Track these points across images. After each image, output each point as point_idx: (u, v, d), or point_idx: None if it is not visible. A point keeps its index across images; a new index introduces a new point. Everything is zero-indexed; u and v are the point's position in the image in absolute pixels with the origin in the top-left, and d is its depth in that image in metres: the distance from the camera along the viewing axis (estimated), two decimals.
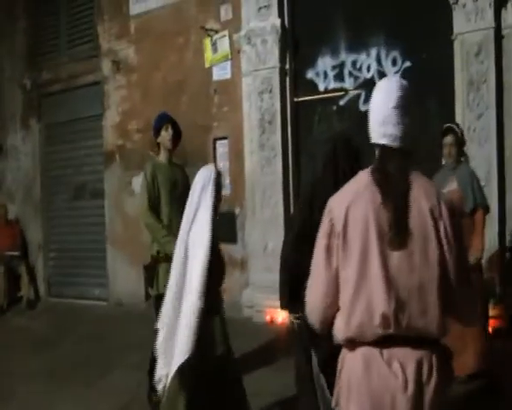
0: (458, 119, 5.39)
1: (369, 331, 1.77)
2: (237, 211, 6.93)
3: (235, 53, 6.93)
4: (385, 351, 1.78)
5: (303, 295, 2.01)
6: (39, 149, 9.28)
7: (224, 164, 6.92)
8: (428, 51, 5.80)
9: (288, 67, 6.62)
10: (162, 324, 3.21)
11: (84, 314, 7.88)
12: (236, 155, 6.95)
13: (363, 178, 1.90)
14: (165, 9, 7.57)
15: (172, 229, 4.36)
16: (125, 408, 4.60)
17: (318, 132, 6.57)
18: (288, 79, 6.63)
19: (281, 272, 3.14)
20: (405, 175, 1.83)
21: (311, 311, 1.96)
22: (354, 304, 1.78)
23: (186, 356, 2.97)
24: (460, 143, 4.44)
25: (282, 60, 6.56)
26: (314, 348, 2.79)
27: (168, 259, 4.32)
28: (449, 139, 4.41)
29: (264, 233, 6.60)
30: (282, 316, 5.72)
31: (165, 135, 4.55)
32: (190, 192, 3.37)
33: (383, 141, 1.90)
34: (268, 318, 6.07)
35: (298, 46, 6.67)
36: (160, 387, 3.20)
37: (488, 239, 5.13)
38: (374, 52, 6.20)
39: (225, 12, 7.03)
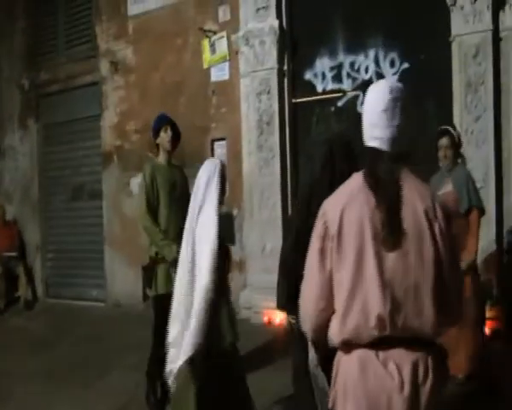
0: (456, 120, 5.40)
1: (365, 333, 1.77)
2: (235, 212, 6.94)
3: (233, 54, 6.93)
4: (381, 352, 1.78)
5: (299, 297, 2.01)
6: (37, 149, 9.26)
7: None
8: (426, 53, 5.81)
9: (286, 68, 6.62)
10: (174, 319, 3.24)
11: (81, 315, 7.87)
12: (234, 157, 6.95)
13: (356, 180, 1.90)
14: (164, 10, 7.57)
15: (170, 232, 4.39)
16: (122, 409, 4.60)
17: (316, 133, 6.57)
18: (286, 80, 6.63)
19: (279, 273, 3.15)
20: (396, 177, 1.83)
21: (304, 314, 1.95)
22: (349, 306, 1.78)
23: (196, 347, 3.01)
24: (456, 145, 4.46)
25: (280, 61, 6.56)
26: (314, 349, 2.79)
27: (166, 260, 4.34)
28: (444, 141, 4.43)
29: (262, 234, 6.60)
30: (279, 317, 5.72)
31: (165, 136, 4.55)
32: (194, 187, 3.40)
33: (373, 144, 1.91)
34: (266, 319, 6.06)
35: (296, 47, 6.68)
36: (170, 380, 3.24)
37: (485, 241, 5.14)
38: (372, 53, 6.20)
39: (223, 13, 7.03)
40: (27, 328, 7.70)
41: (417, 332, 1.77)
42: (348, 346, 1.83)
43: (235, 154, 6.96)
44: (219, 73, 7.06)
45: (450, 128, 4.52)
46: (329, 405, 1.96)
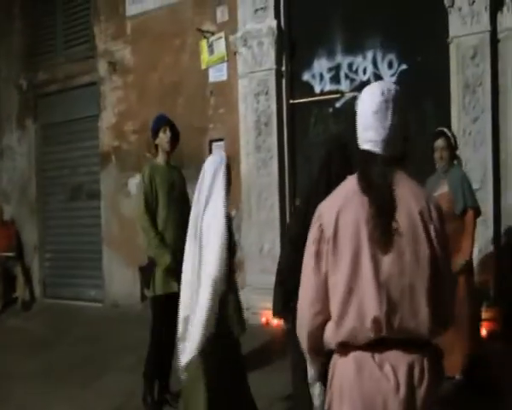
0: (454, 121, 5.42)
1: (361, 335, 1.77)
2: (233, 213, 6.92)
3: (231, 55, 6.93)
4: (377, 354, 1.78)
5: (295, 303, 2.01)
6: (35, 149, 9.25)
7: None
8: (424, 54, 5.82)
9: (284, 68, 6.62)
10: (184, 313, 3.25)
11: (79, 316, 7.86)
12: (232, 157, 6.91)
13: (351, 183, 1.90)
14: (162, 11, 7.58)
15: (168, 232, 4.41)
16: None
17: (314, 134, 6.58)
18: (284, 81, 6.64)
19: (276, 281, 3.18)
20: (389, 180, 1.83)
21: (300, 318, 1.94)
22: (345, 308, 1.77)
23: (205, 339, 3.07)
24: (452, 146, 4.48)
25: (279, 62, 6.56)
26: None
27: None
28: (440, 143, 4.46)
29: (260, 235, 6.60)
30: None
31: (164, 137, 4.56)
32: (199, 181, 3.41)
33: (366, 146, 1.91)
34: (264, 320, 6.06)
35: (294, 48, 6.68)
36: (181, 372, 3.26)
37: (483, 242, 5.17)
38: (370, 55, 6.21)
39: (221, 14, 7.03)
40: (25, 328, 7.69)
41: (413, 333, 1.77)
42: (344, 348, 1.83)
43: (233, 155, 6.92)
44: (217, 74, 7.07)
45: (445, 130, 4.55)
46: (325, 407, 1.96)
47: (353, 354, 1.81)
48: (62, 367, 5.69)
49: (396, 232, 1.77)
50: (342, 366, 1.85)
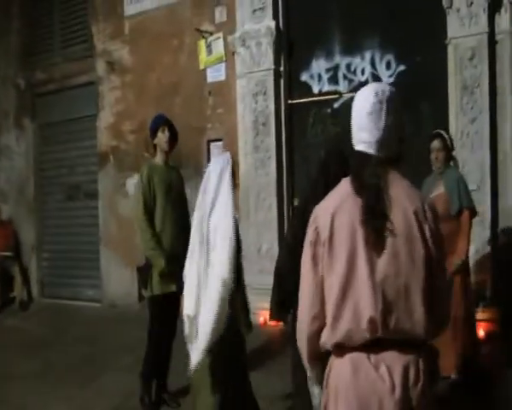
0: (452, 122, 5.43)
1: (357, 336, 1.77)
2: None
3: (229, 55, 6.93)
4: (372, 355, 1.78)
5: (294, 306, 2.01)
6: (33, 149, 9.25)
7: None
8: (422, 55, 5.83)
9: (282, 69, 6.63)
10: (189, 313, 3.25)
11: (77, 316, 7.86)
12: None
13: (346, 184, 1.90)
14: (160, 11, 7.58)
15: (166, 232, 4.41)
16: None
17: (312, 135, 6.60)
18: (282, 82, 6.64)
19: (273, 283, 3.19)
20: (381, 181, 1.83)
21: (300, 322, 1.94)
22: (341, 309, 1.78)
23: (214, 337, 3.08)
24: (448, 148, 4.51)
25: (277, 62, 6.57)
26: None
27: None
28: (436, 144, 4.50)
29: (258, 235, 6.61)
30: None
31: (162, 137, 4.56)
32: (203, 182, 3.40)
33: (361, 147, 1.91)
34: (261, 320, 6.07)
35: (292, 48, 6.69)
36: (190, 370, 3.27)
37: (480, 242, 5.18)
38: (368, 55, 6.22)
39: (220, 14, 7.04)
40: (23, 328, 7.68)
41: (409, 334, 1.78)
42: (340, 349, 1.83)
43: (231, 155, 6.95)
44: (215, 74, 7.07)
45: (442, 131, 4.57)
46: (321, 407, 1.96)
47: (349, 355, 1.81)
48: (60, 367, 5.69)
49: (391, 233, 1.77)
50: (338, 367, 1.85)
